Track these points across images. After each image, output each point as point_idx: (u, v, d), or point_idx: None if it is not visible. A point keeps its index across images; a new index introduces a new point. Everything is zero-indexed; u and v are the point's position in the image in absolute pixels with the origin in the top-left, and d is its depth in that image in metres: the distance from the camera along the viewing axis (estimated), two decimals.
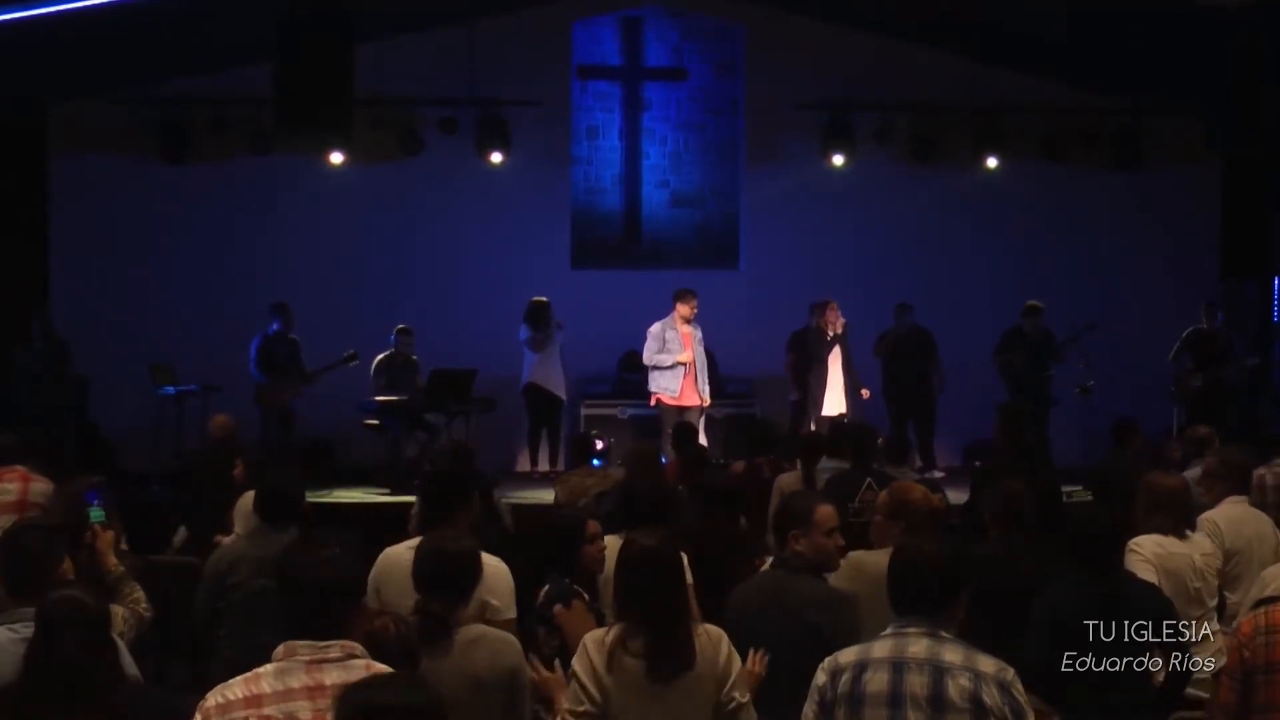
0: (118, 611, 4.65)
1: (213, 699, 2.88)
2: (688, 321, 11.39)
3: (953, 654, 3.48)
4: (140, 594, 5.00)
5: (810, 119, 13.61)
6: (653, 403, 11.55)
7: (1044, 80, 13.52)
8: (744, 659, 4.09)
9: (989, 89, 13.24)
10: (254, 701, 2.85)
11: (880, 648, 3.56)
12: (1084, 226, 13.87)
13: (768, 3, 13.75)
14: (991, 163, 13.58)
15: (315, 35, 8.71)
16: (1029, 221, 13.90)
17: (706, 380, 11.51)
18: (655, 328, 11.43)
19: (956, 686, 3.43)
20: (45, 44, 10.78)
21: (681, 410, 11.29)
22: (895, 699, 3.47)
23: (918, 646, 3.50)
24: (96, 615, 3.54)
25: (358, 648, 2.91)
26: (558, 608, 4.71)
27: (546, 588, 4.95)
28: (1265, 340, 13.25)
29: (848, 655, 3.61)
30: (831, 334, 12.21)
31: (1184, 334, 12.28)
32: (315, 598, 2.91)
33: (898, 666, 3.50)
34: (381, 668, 2.93)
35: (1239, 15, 10.00)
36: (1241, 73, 10.81)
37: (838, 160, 13.58)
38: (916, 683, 3.46)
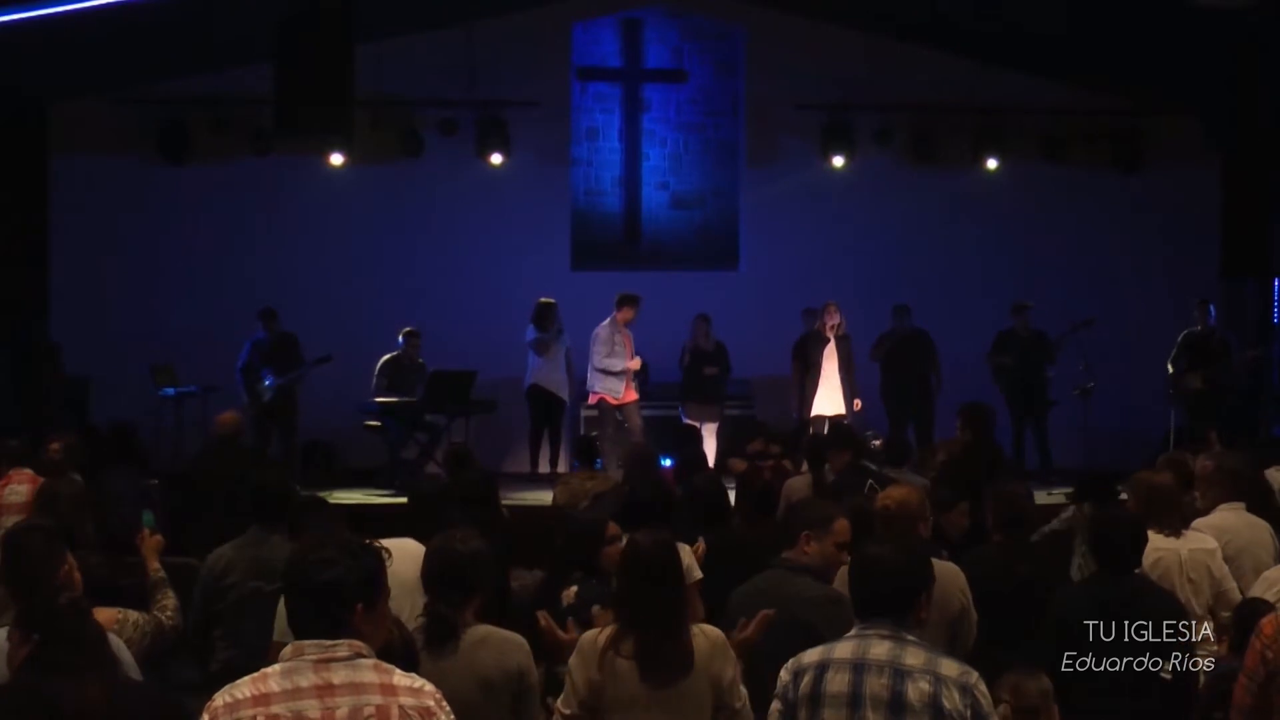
0: (129, 616, 4.66)
1: (220, 699, 2.87)
2: (628, 325, 11.70)
3: (914, 657, 3.46)
4: (170, 602, 5.01)
5: (810, 119, 13.60)
6: (593, 401, 11.74)
7: (1044, 80, 13.51)
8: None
9: (989, 89, 13.22)
10: (262, 700, 2.84)
11: (842, 649, 3.54)
12: (1084, 226, 13.85)
13: (768, 3, 13.73)
14: (991, 163, 13.57)
15: (315, 35, 8.70)
16: (1029, 221, 13.89)
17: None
18: (604, 331, 11.69)
19: (916, 690, 3.41)
20: (45, 44, 10.78)
21: (620, 407, 11.64)
22: (855, 700, 3.46)
23: (879, 649, 3.49)
24: (78, 615, 3.57)
25: (365, 647, 2.91)
26: (596, 608, 4.70)
27: (575, 589, 4.95)
28: (1265, 340, 13.24)
29: (810, 656, 3.60)
30: (828, 335, 12.20)
31: (1179, 338, 12.24)
32: (320, 598, 2.91)
33: (858, 668, 3.48)
34: (389, 667, 2.93)
35: (1239, 15, 9.99)
36: (1241, 73, 10.82)
37: (838, 161, 13.56)
38: (877, 684, 3.44)
